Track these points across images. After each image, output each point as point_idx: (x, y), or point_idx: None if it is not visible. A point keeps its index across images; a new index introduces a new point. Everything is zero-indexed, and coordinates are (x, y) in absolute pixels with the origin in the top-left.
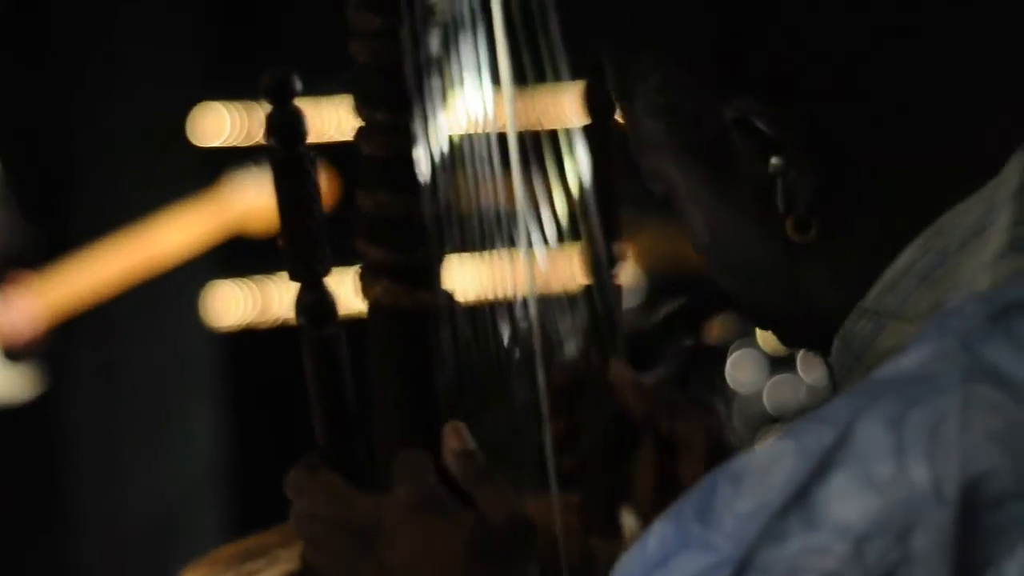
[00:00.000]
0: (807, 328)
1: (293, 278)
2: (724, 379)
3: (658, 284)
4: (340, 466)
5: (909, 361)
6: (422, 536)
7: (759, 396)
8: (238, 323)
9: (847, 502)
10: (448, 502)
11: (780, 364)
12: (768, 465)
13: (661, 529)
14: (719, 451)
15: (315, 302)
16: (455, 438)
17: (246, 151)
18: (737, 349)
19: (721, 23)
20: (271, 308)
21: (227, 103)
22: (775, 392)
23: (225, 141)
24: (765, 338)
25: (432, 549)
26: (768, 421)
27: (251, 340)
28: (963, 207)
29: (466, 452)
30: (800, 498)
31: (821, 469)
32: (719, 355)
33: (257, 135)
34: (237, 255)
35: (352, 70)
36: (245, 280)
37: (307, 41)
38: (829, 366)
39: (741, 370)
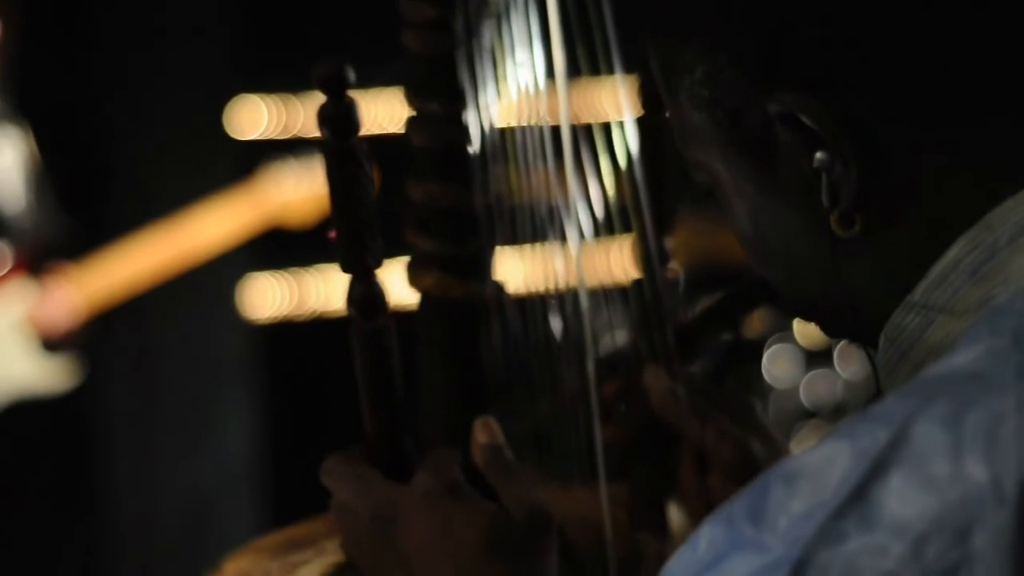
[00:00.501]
0: (850, 321)
1: (345, 270)
2: (761, 374)
3: (695, 279)
4: (387, 457)
5: (962, 359)
6: (437, 524)
7: (796, 391)
8: (275, 316)
9: (905, 502)
10: (467, 492)
11: (817, 359)
12: (822, 465)
13: (711, 531)
14: (746, 466)
15: (366, 294)
16: (485, 433)
17: (283, 144)
18: (773, 344)
19: (766, 17)
20: (308, 301)
21: (265, 96)
22: (812, 387)
23: (262, 134)
24: (802, 333)
25: (447, 537)
26: (805, 416)
27: (287, 333)
28: (1012, 203)
29: (494, 447)
30: (857, 498)
31: (878, 469)
32: (756, 350)
33: (295, 127)
34: (274, 248)
35: (404, 60)
36: (282, 272)
37: (345, 33)
38: (871, 359)
39: (778, 365)
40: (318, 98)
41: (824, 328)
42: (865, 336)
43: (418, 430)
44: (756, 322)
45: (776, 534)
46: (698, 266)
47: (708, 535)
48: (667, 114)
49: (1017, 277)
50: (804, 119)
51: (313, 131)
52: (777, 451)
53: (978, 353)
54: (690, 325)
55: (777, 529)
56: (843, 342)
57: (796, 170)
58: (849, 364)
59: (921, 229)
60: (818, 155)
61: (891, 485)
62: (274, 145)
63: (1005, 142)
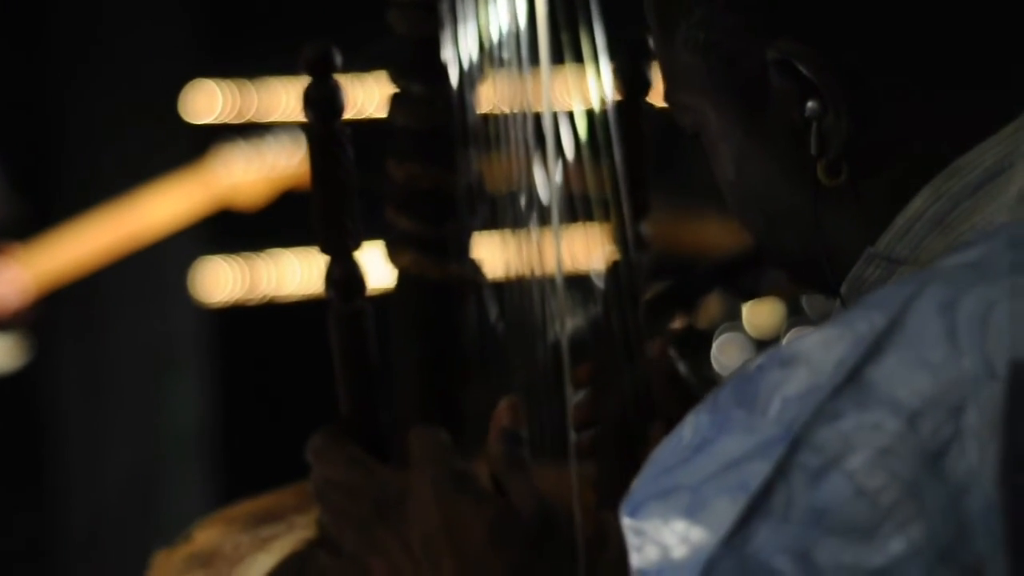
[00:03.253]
0: (825, 271)
1: (324, 251)
2: (710, 362)
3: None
4: (362, 437)
5: (958, 255)
6: (445, 514)
7: None
8: (227, 299)
9: (900, 382)
10: (474, 484)
11: (766, 348)
12: (819, 350)
13: (696, 419)
14: None
15: (345, 276)
16: (510, 416)
17: (238, 128)
18: (723, 332)
19: None
20: (259, 285)
21: (220, 80)
22: None
23: (217, 118)
24: (751, 322)
25: (454, 528)
26: None
27: (239, 316)
28: (976, 152)
29: (515, 436)
30: (853, 379)
31: (874, 351)
32: (705, 338)
33: (249, 113)
34: (227, 232)
35: (388, 40)
36: (235, 257)
37: (300, 21)
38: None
39: (727, 353)
40: (282, 83)
41: (798, 278)
42: (834, 284)
43: (393, 408)
44: (709, 309)
45: (767, 415)
46: (661, 253)
47: (692, 423)
48: (648, 100)
49: (985, 223)
50: (800, 67)
51: (267, 116)
52: None
53: (974, 252)
54: (642, 309)
55: (769, 410)
56: (793, 330)
57: (786, 118)
58: None
59: (905, 183)
60: (810, 104)
61: (887, 366)
62: (229, 129)
63: (997, 100)
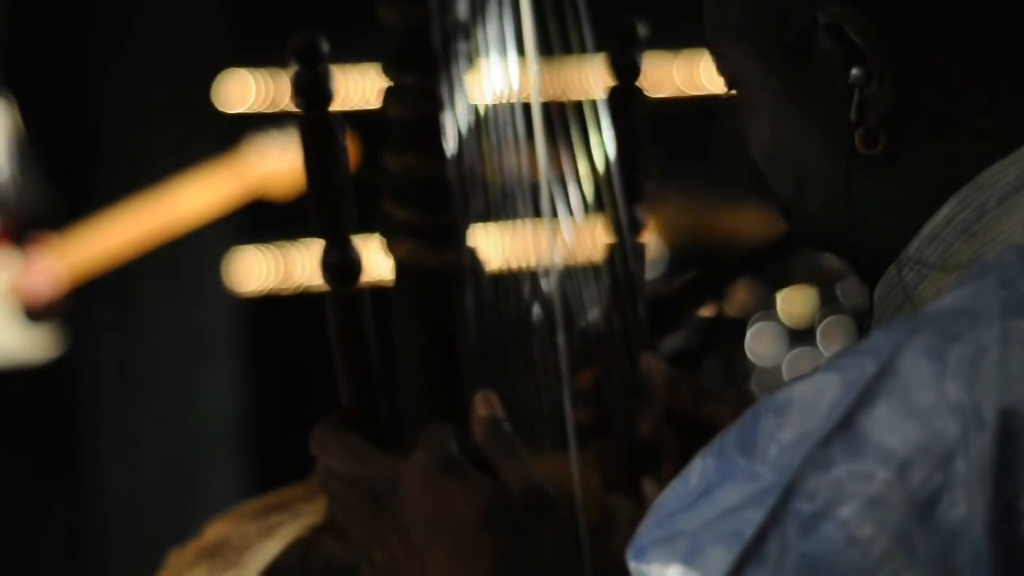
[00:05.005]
0: (851, 241)
1: (319, 236)
2: (744, 352)
3: (679, 256)
4: (363, 425)
5: (950, 299)
6: (437, 499)
7: (779, 370)
8: (260, 289)
9: (890, 429)
10: (466, 468)
11: (800, 337)
12: (812, 396)
13: (703, 462)
14: None
15: (340, 260)
16: (485, 406)
17: (271, 117)
18: (757, 322)
19: None
20: (293, 275)
21: (253, 70)
22: (795, 365)
23: (250, 107)
24: (785, 311)
25: (447, 512)
26: None
27: (273, 306)
28: (1001, 165)
29: (494, 420)
30: (844, 427)
31: (865, 398)
32: (739, 327)
33: (283, 102)
34: (261, 221)
35: (380, 33)
36: (269, 247)
37: (333, 9)
38: (871, 299)
39: (761, 343)
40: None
41: (823, 244)
42: (861, 260)
43: (394, 397)
44: (739, 297)
45: (766, 463)
46: (684, 244)
47: (699, 467)
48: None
49: (1005, 237)
50: (849, 32)
51: None
52: None
53: (965, 294)
54: (667, 298)
55: (767, 458)
56: (827, 320)
57: (829, 82)
58: (832, 342)
59: (954, 156)
60: (854, 71)
61: (877, 414)
62: (262, 118)
63: None
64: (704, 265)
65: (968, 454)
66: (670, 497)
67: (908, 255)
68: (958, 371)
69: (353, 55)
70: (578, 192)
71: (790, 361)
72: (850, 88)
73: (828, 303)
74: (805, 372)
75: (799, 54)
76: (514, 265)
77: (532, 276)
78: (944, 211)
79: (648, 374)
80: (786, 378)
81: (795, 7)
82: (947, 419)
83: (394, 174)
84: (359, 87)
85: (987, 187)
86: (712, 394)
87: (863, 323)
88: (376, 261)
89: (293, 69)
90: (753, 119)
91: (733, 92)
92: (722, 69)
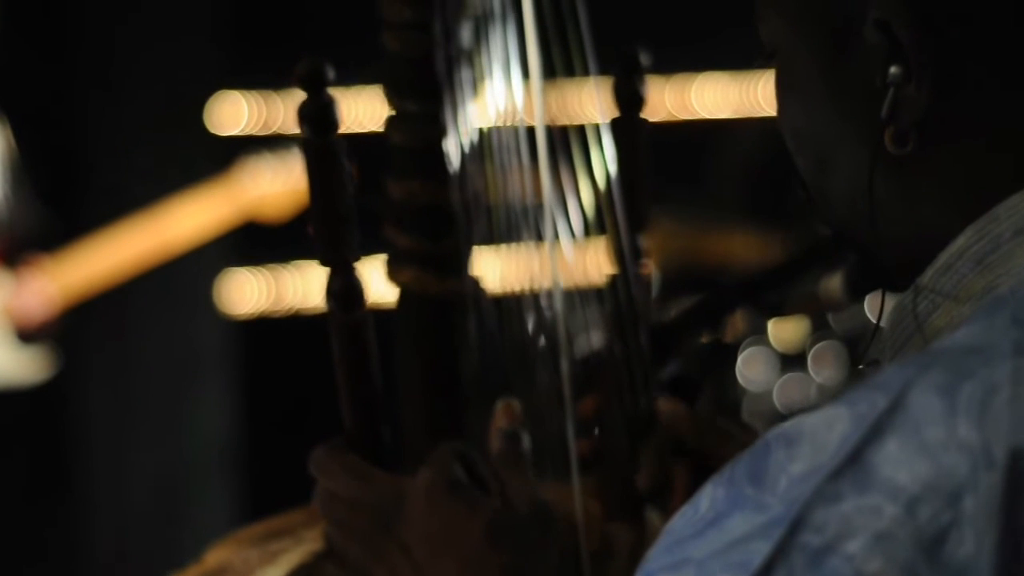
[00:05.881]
0: (867, 238)
1: (323, 263)
2: (735, 376)
3: (672, 281)
4: (365, 449)
5: (962, 335)
6: (441, 519)
7: (769, 394)
8: (252, 311)
9: (900, 465)
10: (469, 488)
11: (791, 362)
12: (822, 429)
13: (713, 491)
14: None
15: (344, 287)
16: (506, 417)
17: (263, 140)
18: (748, 346)
19: None
20: (285, 297)
21: (246, 92)
22: (785, 390)
23: (243, 129)
24: (777, 336)
25: (452, 532)
26: (778, 419)
27: (265, 328)
28: (1019, 197)
29: (513, 435)
30: (854, 461)
31: (875, 433)
32: (731, 352)
33: (275, 124)
34: (253, 244)
35: (383, 60)
36: (261, 269)
37: (326, 32)
38: (882, 302)
39: (752, 367)
40: (299, 95)
41: (843, 243)
42: (872, 254)
43: (397, 422)
44: (737, 324)
45: (775, 494)
46: (675, 268)
47: (710, 495)
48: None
49: (1019, 269)
50: (896, 30)
51: (293, 127)
52: None
53: (978, 329)
54: (669, 325)
55: (777, 489)
56: (818, 345)
57: (867, 74)
58: (824, 367)
59: (965, 171)
60: (893, 69)
61: (887, 449)
62: (254, 141)
63: None
64: (702, 293)
65: (977, 493)
66: (680, 523)
67: (923, 283)
68: (968, 409)
69: (347, 78)
70: (581, 217)
71: (781, 386)
72: (887, 85)
73: (819, 328)
74: (798, 396)
75: (843, 40)
76: (517, 289)
77: (535, 301)
78: (960, 241)
79: (669, 417)
80: (777, 403)
81: None
82: (957, 457)
83: (397, 201)
84: (352, 109)
85: (1003, 219)
86: (732, 433)
87: (858, 347)
88: (377, 283)
89: (298, 95)
90: (786, 93)
91: (767, 65)
92: (765, 37)
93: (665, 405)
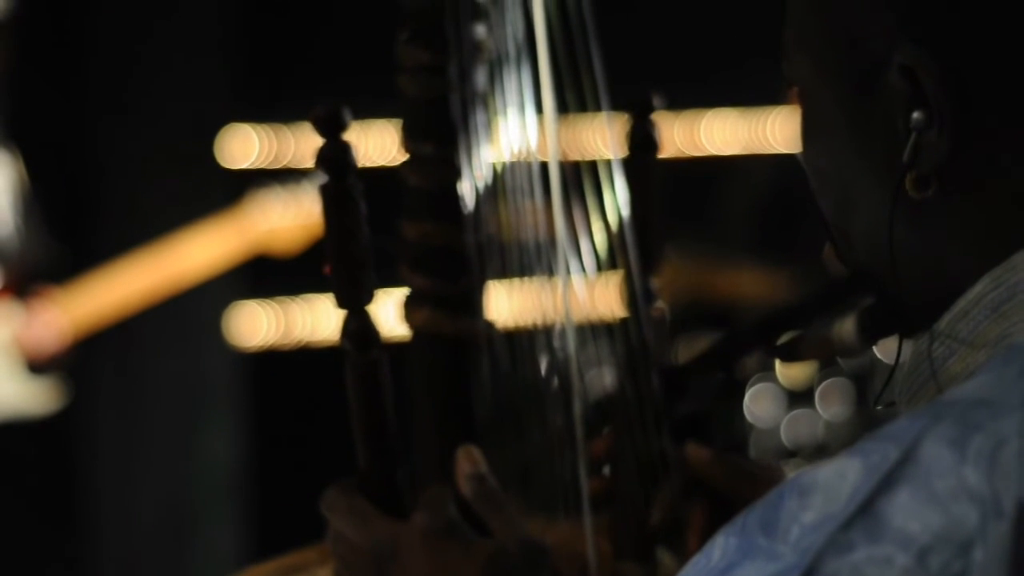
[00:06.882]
0: (885, 278)
1: (340, 305)
2: (743, 413)
3: (679, 317)
4: (379, 488)
5: (973, 386)
6: (436, 563)
7: (777, 430)
8: (261, 344)
9: (911, 515)
10: (464, 530)
11: (798, 399)
12: (835, 479)
13: (725, 540)
14: None
15: (360, 329)
16: (468, 462)
17: (273, 173)
18: (756, 383)
19: None
20: (294, 330)
21: (256, 125)
22: (793, 427)
23: (253, 163)
24: (784, 373)
25: (446, 574)
26: (785, 456)
27: (274, 361)
28: None
29: (477, 476)
30: (865, 511)
31: (886, 484)
32: (739, 389)
33: (285, 157)
34: (263, 277)
35: (399, 103)
36: (270, 302)
37: (337, 67)
38: (899, 348)
39: (759, 404)
40: (313, 134)
41: (858, 285)
42: (891, 294)
43: (411, 463)
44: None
45: (788, 543)
46: (682, 304)
47: (721, 544)
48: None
49: None
50: (920, 76)
51: (304, 161)
52: None
53: (988, 382)
54: (685, 367)
55: (789, 538)
56: (825, 382)
57: (890, 117)
58: (831, 405)
59: (984, 219)
60: (916, 114)
61: (899, 500)
62: (264, 174)
63: None
64: (716, 335)
65: (987, 543)
66: (692, 573)
67: (939, 329)
68: (978, 461)
69: (358, 112)
70: (593, 255)
71: (789, 422)
72: (909, 130)
73: (827, 366)
74: (806, 432)
75: (867, 82)
76: (529, 326)
77: (547, 339)
78: (977, 288)
79: (695, 460)
80: (784, 439)
81: (874, 36)
82: (967, 507)
83: (412, 242)
84: (363, 143)
85: (1020, 268)
86: (756, 475)
87: (866, 384)
88: (392, 321)
89: (312, 134)
90: (809, 132)
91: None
92: (789, 75)
93: (693, 450)
